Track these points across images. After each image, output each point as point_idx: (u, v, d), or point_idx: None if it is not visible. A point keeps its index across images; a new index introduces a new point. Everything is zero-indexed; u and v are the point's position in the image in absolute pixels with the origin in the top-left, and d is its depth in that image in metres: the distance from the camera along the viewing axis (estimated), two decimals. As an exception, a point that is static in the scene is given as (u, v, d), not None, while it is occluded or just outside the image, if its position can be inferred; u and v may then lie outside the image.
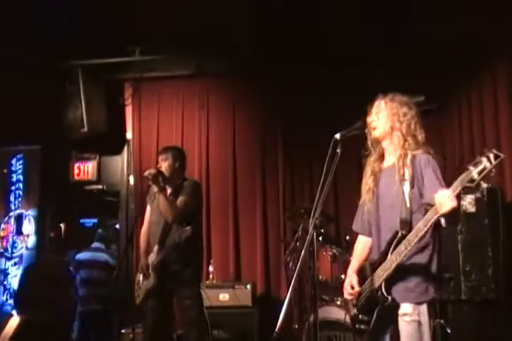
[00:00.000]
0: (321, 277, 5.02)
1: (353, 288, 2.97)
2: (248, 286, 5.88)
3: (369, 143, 3.06)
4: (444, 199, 2.46)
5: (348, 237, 5.08)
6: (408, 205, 2.80)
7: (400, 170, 2.84)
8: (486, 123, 5.53)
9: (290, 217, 5.89)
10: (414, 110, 3.02)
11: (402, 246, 2.70)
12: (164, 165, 4.58)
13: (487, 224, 4.63)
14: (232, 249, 6.51)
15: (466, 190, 4.44)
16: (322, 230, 5.18)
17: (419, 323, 2.75)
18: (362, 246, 3.15)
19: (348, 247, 4.82)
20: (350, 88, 6.22)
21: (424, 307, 2.78)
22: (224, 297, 5.81)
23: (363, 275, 2.98)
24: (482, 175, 2.39)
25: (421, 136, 2.96)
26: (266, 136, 6.73)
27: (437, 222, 2.65)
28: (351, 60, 6.12)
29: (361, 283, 2.96)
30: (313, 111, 6.42)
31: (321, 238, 5.12)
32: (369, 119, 3.01)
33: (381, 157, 3.04)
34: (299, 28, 5.87)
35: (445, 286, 4.59)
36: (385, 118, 2.97)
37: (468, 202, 4.63)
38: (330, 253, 5.12)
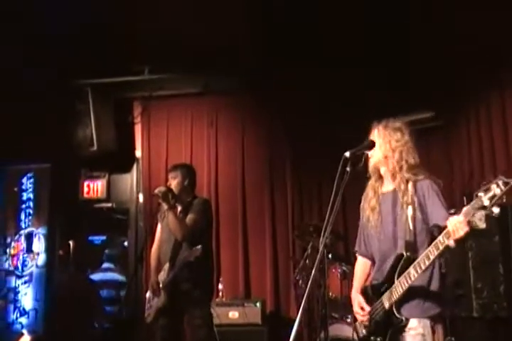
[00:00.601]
0: (330, 294, 5.01)
1: (362, 309, 2.99)
2: (258, 304, 5.87)
3: (369, 169, 3.10)
4: (457, 226, 2.55)
5: (357, 254, 5.06)
6: (411, 228, 2.87)
7: (403, 196, 2.92)
8: (495, 137, 5.51)
9: (299, 234, 5.89)
10: (407, 135, 3.07)
11: (412, 270, 2.75)
12: (174, 183, 4.60)
13: (498, 240, 4.59)
14: (242, 266, 6.51)
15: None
16: (331, 248, 5.17)
17: (423, 335, 2.81)
18: (363, 268, 3.21)
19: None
20: (359, 107, 6.21)
21: (426, 321, 2.84)
22: (233, 315, 5.79)
23: (365, 296, 3.02)
24: (493, 201, 2.47)
25: (414, 161, 3.02)
26: (274, 154, 6.76)
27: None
28: (358, 82, 6.14)
29: (367, 303, 2.99)
30: (322, 129, 6.45)
31: (330, 255, 5.12)
32: (374, 151, 3.04)
33: (380, 180, 3.10)
34: (309, 46, 5.93)
35: (456, 303, 4.56)
36: (379, 147, 3.02)
37: (479, 219, 4.60)
38: (339, 270, 5.12)
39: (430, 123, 6.01)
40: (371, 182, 3.12)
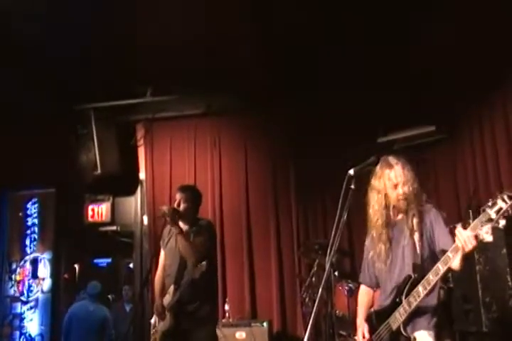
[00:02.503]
0: (338, 312, 4.98)
1: (364, 337, 3.08)
2: (264, 324, 5.82)
3: (380, 200, 3.14)
4: (465, 240, 2.69)
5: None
6: (419, 252, 3.00)
7: (411, 224, 3.06)
8: (499, 149, 5.51)
9: (304, 252, 5.87)
10: (413, 170, 3.18)
11: (420, 288, 2.85)
12: (182, 204, 4.61)
13: (505, 253, 4.55)
14: (248, 286, 6.47)
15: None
16: (337, 265, 5.16)
17: None
18: (367, 296, 3.31)
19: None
20: (360, 119, 6.26)
21: (432, 333, 2.93)
22: (241, 335, 5.74)
23: (371, 323, 3.11)
24: (500, 214, 2.63)
25: (421, 191, 3.14)
26: (278, 172, 6.77)
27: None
28: (361, 92, 6.17)
29: (371, 331, 3.08)
30: (325, 147, 6.45)
31: (336, 273, 5.09)
32: (391, 182, 3.10)
33: (387, 211, 3.17)
34: (311, 67, 5.99)
35: (465, 318, 4.53)
36: (402, 185, 3.09)
37: (485, 232, 4.58)
38: (346, 287, 5.09)
39: (434, 136, 6.03)
40: (379, 218, 3.15)
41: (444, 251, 2.87)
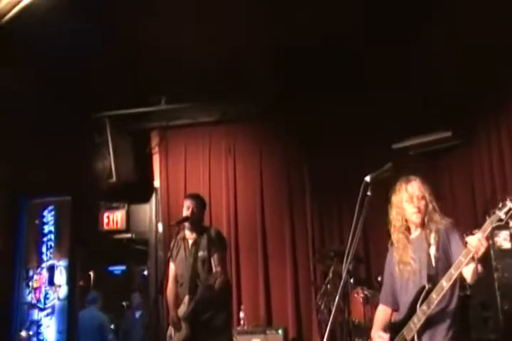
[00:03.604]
0: (353, 319, 4.94)
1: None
2: (280, 331, 5.82)
3: (399, 220, 3.17)
4: (477, 243, 2.71)
5: (379, 278, 5.02)
6: (434, 265, 3.01)
7: (429, 239, 3.08)
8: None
9: (320, 259, 5.85)
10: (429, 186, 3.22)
11: (433, 294, 2.85)
12: (189, 212, 4.64)
13: (523, 260, 4.53)
14: (263, 293, 6.45)
15: (499, 227, 4.39)
16: (353, 272, 5.13)
17: None
18: (383, 316, 3.29)
19: (380, 288, 4.75)
20: (375, 125, 6.24)
21: None
22: (256, 343, 5.74)
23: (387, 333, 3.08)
24: (509, 214, 2.68)
25: (438, 209, 3.15)
26: (293, 179, 6.75)
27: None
28: (376, 97, 6.15)
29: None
30: (340, 153, 6.43)
31: (352, 280, 5.07)
32: (409, 200, 3.13)
33: (407, 231, 3.19)
34: (324, 72, 5.98)
35: (484, 326, 4.48)
36: (425, 204, 3.13)
37: (503, 239, 4.55)
38: (362, 295, 5.06)
39: (450, 142, 5.98)
40: (401, 235, 3.18)
41: None
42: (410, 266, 3.09)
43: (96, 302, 7.15)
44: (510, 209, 2.67)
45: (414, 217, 3.11)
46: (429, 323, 2.88)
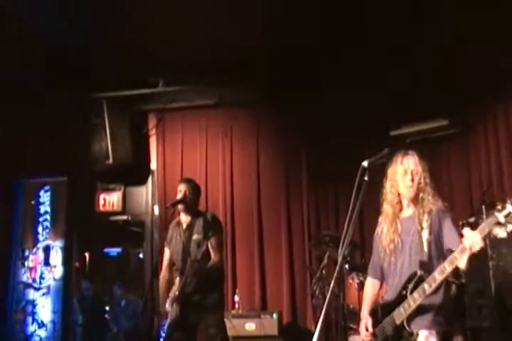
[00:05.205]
0: (348, 305, 4.96)
1: (367, 330, 3.09)
2: (274, 315, 5.84)
3: (392, 193, 3.15)
4: (473, 241, 2.70)
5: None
6: (426, 250, 3.00)
7: (421, 220, 3.05)
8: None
9: (315, 244, 5.86)
10: (427, 164, 3.18)
11: (425, 285, 2.85)
12: (185, 194, 4.63)
13: (519, 250, 4.53)
14: (258, 278, 6.47)
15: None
16: (349, 258, 5.14)
17: None
18: (373, 289, 3.30)
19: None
20: (373, 113, 6.21)
21: (433, 333, 2.91)
22: (250, 326, 5.76)
23: (375, 316, 3.11)
24: (508, 218, 2.66)
25: (434, 190, 3.13)
26: (290, 164, 6.74)
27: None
28: (374, 85, 6.12)
29: (375, 324, 3.09)
30: (337, 139, 6.40)
31: (347, 266, 5.08)
32: (404, 174, 3.10)
33: (399, 206, 3.17)
34: (322, 59, 5.94)
35: (478, 313, 4.50)
36: (419, 179, 3.10)
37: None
38: (357, 280, 5.07)
39: (448, 130, 5.97)
40: (390, 208, 3.17)
41: (450, 251, 2.89)
42: (397, 244, 3.08)
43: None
44: (509, 214, 2.66)
45: (407, 191, 3.09)
46: (420, 309, 2.89)
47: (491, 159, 5.76)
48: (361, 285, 5.03)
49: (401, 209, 3.17)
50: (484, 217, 4.64)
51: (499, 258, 4.55)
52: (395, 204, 3.16)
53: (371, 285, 3.30)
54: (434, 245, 3.00)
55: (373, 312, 3.13)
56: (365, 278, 4.98)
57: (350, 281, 5.11)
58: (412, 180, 3.07)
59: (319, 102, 6.54)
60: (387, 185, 3.17)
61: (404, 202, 3.15)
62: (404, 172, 3.10)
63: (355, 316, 4.91)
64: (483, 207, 4.70)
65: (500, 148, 5.65)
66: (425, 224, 3.02)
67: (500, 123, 5.68)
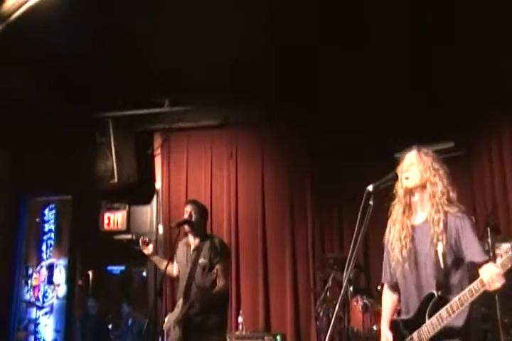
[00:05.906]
0: (352, 327, 4.92)
1: None
2: (278, 337, 5.78)
3: (399, 193, 3.03)
4: (493, 278, 2.58)
5: (379, 287, 4.99)
6: (442, 266, 2.81)
7: (434, 230, 2.85)
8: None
9: (319, 267, 5.83)
10: (445, 168, 3.05)
11: (444, 313, 2.71)
12: (191, 215, 4.63)
13: (524, 273, 4.49)
14: (262, 299, 6.44)
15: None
16: (353, 281, 5.11)
17: None
18: (391, 302, 3.15)
19: (380, 297, 4.72)
20: (378, 135, 6.23)
21: None
22: (254, 348, 5.72)
23: (395, 331, 2.96)
24: None
25: (454, 195, 2.96)
26: (295, 185, 6.74)
27: None
28: (380, 108, 6.14)
29: (395, 338, 2.94)
30: (342, 160, 6.41)
31: (352, 288, 5.05)
32: (402, 169, 3.01)
33: (408, 209, 3.03)
34: (325, 77, 5.97)
35: (483, 338, 4.45)
36: (420, 171, 2.97)
37: (504, 252, 4.53)
38: (361, 303, 5.04)
39: (452, 153, 5.96)
40: (397, 211, 3.04)
41: (472, 263, 2.75)
42: (409, 252, 2.91)
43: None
44: None
45: (405, 184, 2.96)
46: (439, 335, 2.74)
47: (495, 181, 5.73)
48: (365, 308, 5.01)
49: (410, 216, 3.00)
50: (489, 240, 4.63)
51: (505, 281, 4.50)
52: (404, 208, 3.01)
53: (389, 297, 3.15)
54: (451, 257, 2.82)
55: (393, 328, 2.97)
56: (369, 302, 5.01)
57: (355, 304, 5.08)
58: (407, 170, 2.95)
59: (324, 123, 6.56)
60: (397, 186, 3.03)
61: (417, 205, 2.99)
62: (402, 169, 2.99)
63: (360, 339, 4.89)
64: (488, 229, 4.68)
65: (505, 170, 5.63)
66: (440, 233, 2.82)
67: (505, 145, 5.68)
